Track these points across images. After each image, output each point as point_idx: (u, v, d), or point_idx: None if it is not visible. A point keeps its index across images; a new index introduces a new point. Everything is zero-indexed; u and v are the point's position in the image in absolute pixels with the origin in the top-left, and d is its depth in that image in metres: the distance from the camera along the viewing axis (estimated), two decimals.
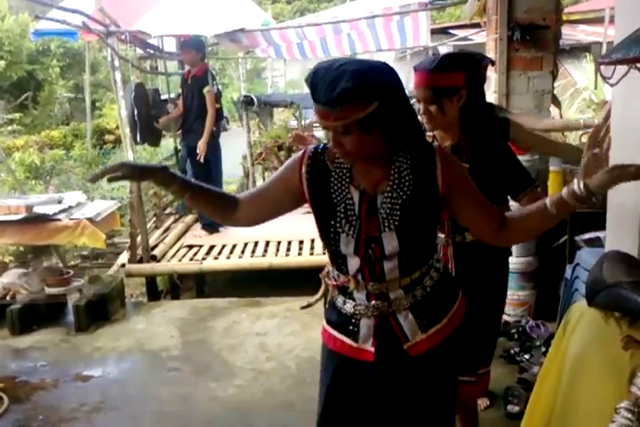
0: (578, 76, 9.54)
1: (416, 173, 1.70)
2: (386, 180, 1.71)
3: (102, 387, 3.72)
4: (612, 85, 2.02)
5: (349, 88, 1.50)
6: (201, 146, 5.90)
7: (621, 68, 2.01)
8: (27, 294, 4.70)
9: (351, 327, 1.83)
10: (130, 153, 5.49)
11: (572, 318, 2.09)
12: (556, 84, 5.85)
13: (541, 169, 4.37)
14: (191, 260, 5.53)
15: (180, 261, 5.54)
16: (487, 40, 4.64)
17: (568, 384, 1.92)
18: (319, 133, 9.08)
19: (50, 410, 3.43)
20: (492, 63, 3.18)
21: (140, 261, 5.42)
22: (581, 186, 1.60)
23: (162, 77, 7.36)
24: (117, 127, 13.09)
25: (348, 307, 1.82)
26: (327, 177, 1.76)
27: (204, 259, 5.53)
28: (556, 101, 4.72)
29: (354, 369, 1.83)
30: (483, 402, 3.44)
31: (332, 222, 1.75)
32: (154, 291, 5.57)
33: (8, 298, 4.69)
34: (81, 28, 5.22)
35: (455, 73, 2.26)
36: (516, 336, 3.97)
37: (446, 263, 2.33)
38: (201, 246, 5.88)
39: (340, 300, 1.84)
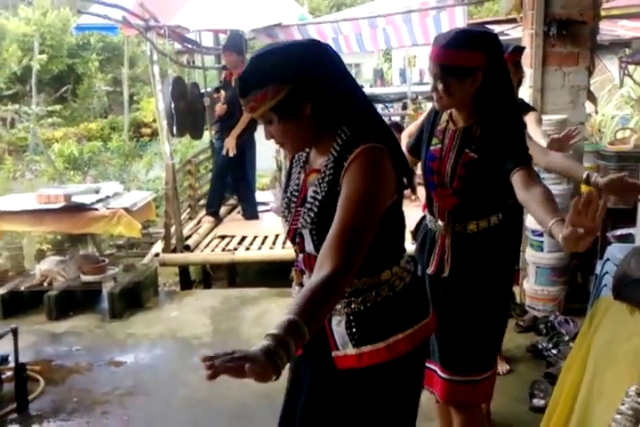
0: (617, 71, 9.38)
1: (335, 169, 1.52)
2: (318, 170, 1.58)
3: (134, 372, 3.81)
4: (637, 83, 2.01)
5: (249, 76, 1.45)
6: (229, 142, 6.02)
7: None
8: (63, 280, 4.83)
9: None
10: (166, 145, 5.58)
11: (599, 312, 2.10)
12: (593, 80, 5.80)
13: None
14: (223, 250, 5.61)
15: (212, 251, 5.62)
16: (523, 35, 4.62)
17: (592, 376, 1.93)
18: None
19: (84, 393, 3.53)
20: (520, 52, 3.08)
21: (174, 250, 5.52)
22: None
23: (199, 71, 7.45)
24: (154, 120, 13.28)
25: (295, 293, 1.73)
26: (292, 161, 1.73)
27: (235, 249, 5.60)
28: (591, 97, 4.69)
29: (295, 363, 1.76)
30: (503, 367, 3.52)
31: (282, 205, 1.69)
32: (186, 280, 5.67)
33: (45, 284, 4.82)
34: (121, 22, 5.32)
35: (470, 52, 1.99)
36: (544, 331, 3.98)
37: (442, 255, 2.23)
38: (233, 237, 5.95)
39: (296, 288, 1.75)
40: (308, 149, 1.65)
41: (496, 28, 9.23)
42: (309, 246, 1.58)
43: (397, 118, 9.80)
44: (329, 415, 1.64)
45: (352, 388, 1.61)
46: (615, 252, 2.98)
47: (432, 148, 2.21)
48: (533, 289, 4.32)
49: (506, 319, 2.51)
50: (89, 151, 9.54)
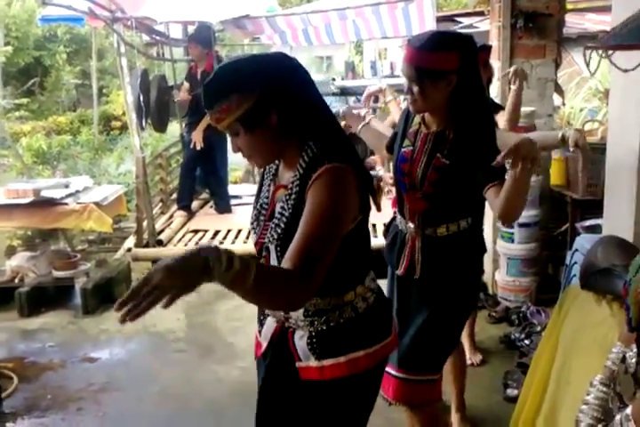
0: (584, 64, 9.48)
1: (300, 187, 1.51)
2: (285, 186, 1.56)
3: (108, 368, 3.80)
4: (625, 71, 2.04)
5: (213, 87, 1.45)
6: (196, 136, 6.00)
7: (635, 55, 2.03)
8: (35, 276, 4.78)
9: (261, 318, 1.77)
10: (136, 139, 5.53)
11: (567, 301, 2.15)
12: (561, 73, 5.87)
13: (543, 156, 4.40)
14: (196, 244, 5.59)
15: (185, 245, 5.59)
16: (491, 28, 4.66)
17: (561, 365, 1.98)
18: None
19: (58, 390, 3.51)
20: (488, 50, 3.08)
21: (147, 245, 5.48)
22: None
23: (168, 64, 7.38)
24: (124, 114, 13.15)
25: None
26: (264, 173, 1.70)
27: None
28: (559, 90, 4.75)
29: (257, 364, 1.82)
30: (476, 358, 3.62)
31: (252, 217, 1.68)
32: None
33: (16, 281, 4.77)
34: (87, 13, 5.25)
35: (445, 54, 1.98)
36: (516, 322, 4.04)
37: (412, 256, 2.24)
38: (206, 231, 5.93)
39: None
40: (277, 162, 1.64)
41: (464, 21, 9.31)
42: (274, 262, 1.57)
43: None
44: (284, 421, 1.68)
45: (311, 398, 1.63)
46: (583, 242, 3.03)
47: (403, 149, 2.21)
48: (505, 280, 4.38)
49: (465, 321, 2.51)
50: (58, 145, 9.42)
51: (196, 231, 5.97)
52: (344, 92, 10.04)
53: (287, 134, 1.50)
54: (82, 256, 5.17)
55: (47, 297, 4.79)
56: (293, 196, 1.51)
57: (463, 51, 2.01)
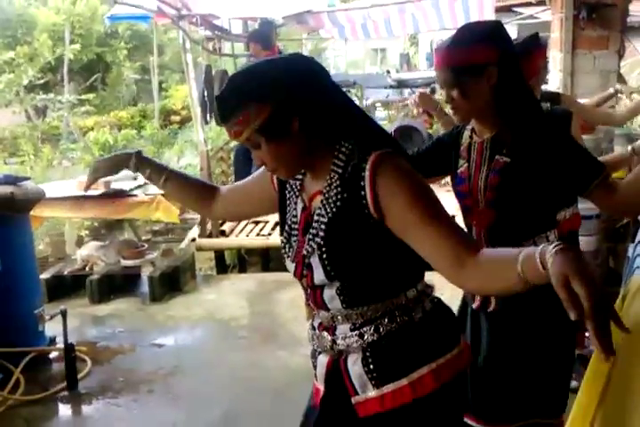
0: None
1: (345, 185, 1.41)
2: (321, 192, 1.45)
3: (176, 352, 3.96)
4: None
5: (227, 99, 1.37)
6: None
7: None
8: (104, 265, 4.99)
9: (313, 360, 1.61)
10: (200, 133, 5.70)
11: (631, 290, 2.15)
12: (624, 63, 5.78)
13: (606, 148, 4.38)
14: (258, 235, 5.73)
15: (247, 236, 5.74)
16: (552, 19, 4.64)
17: (624, 355, 1.99)
18: (382, 114, 9.12)
19: (129, 373, 3.68)
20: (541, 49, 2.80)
21: (210, 235, 5.65)
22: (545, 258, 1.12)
23: (229, 59, 7.55)
24: (183, 108, 13.45)
25: (309, 336, 1.60)
26: (285, 187, 1.57)
27: (269, 234, 5.71)
28: (622, 80, 4.69)
29: (309, 410, 1.65)
30: None
31: (282, 241, 1.56)
32: (222, 265, 5.82)
33: (87, 269, 5.00)
34: (155, 12, 5.43)
35: (478, 46, 1.80)
36: None
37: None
38: (267, 222, 6.06)
39: (309, 327, 1.62)
40: (300, 176, 1.52)
41: (525, 11, 9.20)
42: (320, 277, 1.44)
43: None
44: None
45: None
46: None
47: (459, 170, 2.01)
48: None
49: (571, 357, 2.15)
50: (123, 139, 9.73)
51: (257, 222, 6.11)
52: (400, 85, 10.04)
53: (313, 141, 1.40)
54: (148, 246, 5.37)
55: (116, 285, 5.01)
56: (333, 198, 1.41)
57: (498, 40, 1.84)
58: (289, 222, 1.53)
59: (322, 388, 1.57)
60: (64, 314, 3.49)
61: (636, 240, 2.88)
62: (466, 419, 1.96)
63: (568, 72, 4.41)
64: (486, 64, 1.80)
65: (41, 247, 5.53)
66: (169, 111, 14.64)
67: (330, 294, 1.46)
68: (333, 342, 1.51)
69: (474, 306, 2.03)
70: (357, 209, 1.38)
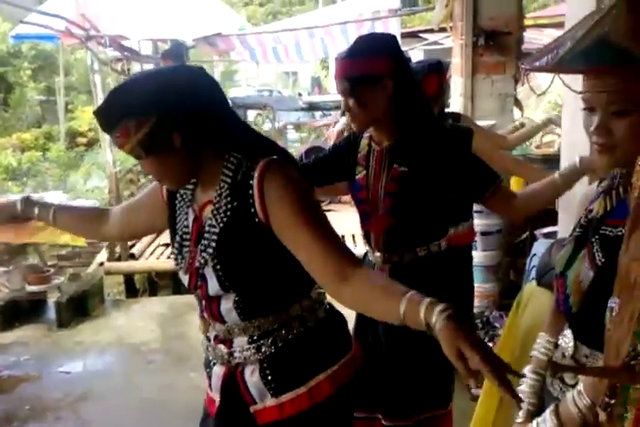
0: (544, 79, 9.82)
1: (235, 194, 1.41)
2: (211, 201, 1.45)
3: (85, 379, 3.85)
4: (538, 95, 2.18)
5: (107, 112, 1.36)
6: None
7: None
8: (8, 291, 4.81)
9: (208, 370, 1.61)
10: (109, 154, 5.61)
11: (524, 298, 2.30)
12: (522, 88, 6.10)
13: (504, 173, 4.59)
14: (168, 258, 5.66)
15: (157, 259, 5.67)
16: (453, 45, 4.86)
17: (519, 357, 2.12)
18: (293, 136, 9.26)
19: (35, 401, 3.56)
20: (439, 70, 2.92)
21: (119, 259, 5.55)
22: None
23: None
24: (90, 130, 13.12)
25: (203, 347, 1.60)
26: (176, 197, 1.56)
27: None
28: (518, 104, 4.96)
29: (204, 420, 1.64)
30: None
31: (173, 252, 1.55)
32: (132, 288, 5.71)
33: None
34: (62, 32, 5.34)
35: (374, 58, 1.87)
36: (480, 326, 4.19)
37: None
38: None
39: (204, 338, 1.61)
40: (191, 186, 1.51)
41: (430, 37, 9.57)
42: (214, 288, 1.44)
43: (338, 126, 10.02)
44: None
45: None
46: (540, 247, 3.20)
47: (357, 177, 2.06)
48: None
49: None
50: (27, 161, 9.42)
51: (167, 245, 6.03)
52: (312, 107, 10.22)
53: (196, 153, 1.39)
54: (54, 271, 5.21)
55: (21, 311, 4.82)
56: (224, 208, 1.41)
57: (393, 53, 1.92)
58: (180, 233, 1.52)
59: (217, 398, 1.56)
60: None
61: (531, 253, 3.06)
62: (379, 415, 2.11)
63: (468, 96, 4.62)
64: (382, 75, 1.87)
65: None
66: (75, 133, 14.23)
67: (227, 306, 1.46)
68: (230, 354, 1.50)
69: None
70: (248, 218, 1.38)
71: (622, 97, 1.12)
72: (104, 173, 7.22)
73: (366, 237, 2.12)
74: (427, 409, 2.12)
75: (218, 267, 1.42)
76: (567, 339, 1.31)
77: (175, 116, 1.34)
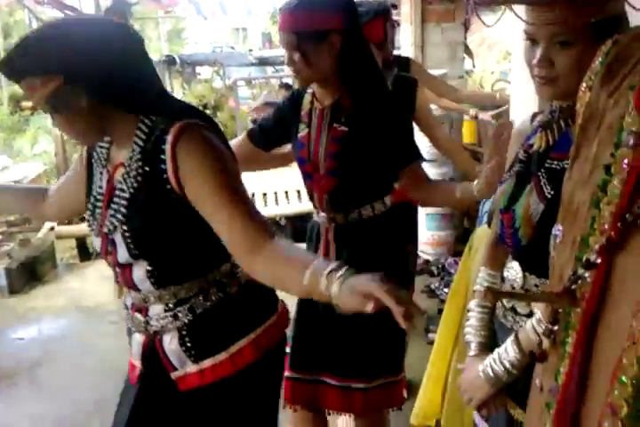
0: (496, 28, 9.79)
1: (146, 159, 1.34)
2: (123, 164, 1.39)
3: (41, 344, 3.79)
4: (488, 26, 2.14)
5: (15, 62, 1.27)
6: None
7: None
8: None
9: (129, 338, 1.56)
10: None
11: (475, 241, 2.31)
12: (474, 36, 6.07)
13: (456, 118, 4.59)
14: None
15: None
16: None
17: (472, 297, 2.14)
18: (245, 93, 9.08)
19: None
20: (385, 14, 2.72)
21: (70, 223, 5.41)
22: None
23: None
24: None
25: (123, 315, 1.55)
26: (93, 156, 1.48)
27: None
28: (468, 52, 4.93)
29: (127, 388, 1.57)
30: None
31: (86, 214, 1.49)
32: (85, 252, 5.58)
33: None
34: None
35: (323, 12, 1.78)
36: (436, 273, 4.28)
37: (327, 249, 2.00)
38: None
39: (122, 305, 1.56)
40: (107, 145, 1.45)
41: None
42: (124, 255, 1.38)
43: (289, 80, 9.88)
44: None
45: (198, 411, 1.46)
46: None
47: (300, 135, 1.98)
48: (424, 235, 4.56)
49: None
50: None
51: None
52: (262, 62, 10.02)
53: (108, 112, 1.33)
54: (4, 238, 5.07)
55: None
56: (134, 172, 1.34)
57: (343, 8, 1.82)
58: (94, 194, 1.45)
59: (138, 365, 1.52)
60: None
61: (482, 200, 3.07)
62: (324, 378, 2.03)
63: (418, 44, 4.57)
64: (329, 31, 1.77)
65: None
66: (19, 97, 13.75)
67: (139, 274, 1.40)
68: (147, 323, 1.45)
69: None
70: (159, 184, 1.31)
71: (567, 29, 1.13)
72: (51, 137, 6.99)
73: (310, 196, 2.06)
74: (379, 374, 2.04)
75: (127, 234, 1.35)
76: (514, 271, 1.33)
77: (82, 78, 1.27)
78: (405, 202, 2.53)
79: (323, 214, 2.00)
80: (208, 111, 7.81)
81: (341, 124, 1.87)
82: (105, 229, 1.39)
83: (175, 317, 1.42)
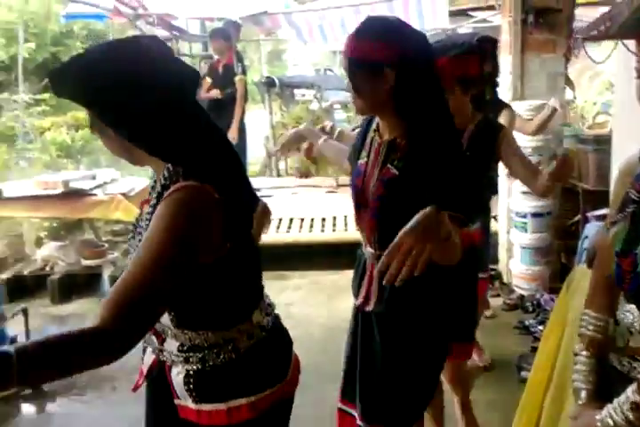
0: (596, 57, 9.56)
1: (155, 205, 1.35)
2: (148, 201, 1.42)
3: (138, 350, 3.92)
4: (597, 63, 2.14)
5: (52, 84, 1.33)
6: (233, 132, 6.17)
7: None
8: (64, 265, 4.99)
9: (144, 346, 1.58)
10: None
11: (575, 280, 2.30)
12: (575, 67, 5.98)
13: (555, 148, 4.54)
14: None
15: None
16: (502, 22, 4.79)
17: (568, 339, 2.12)
18: (341, 116, 9.24)
19: (93, 370, 3.65)
20: (482, 50, 2.54)
21: None
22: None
23: (185, 58, 7.56)
24: None
25: None
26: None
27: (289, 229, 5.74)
28: (569, 82, 4.88)
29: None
30: (482, 359, 3.53)
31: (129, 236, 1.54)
32: None
33: (47, 269, 4.98)
34: (111, 10, 5.44)
35: (374, 42, 1.67)
36: (530, 309, 4.20)
37: (370, 285, 1.94)
38: (281, 219, 6.01)
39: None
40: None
41: (479, 15, 9.40)
42: None
43: None
44: None
45: None
46: (592, 229, 3.18)
47: (360, 162, 1.92)
48: (519, 269, 4.52)
49: (440, 366, 2.07)
50: (81, 139, 9.63)
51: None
52: None
53: (135, 149, 1.34)
54: (109, 246, 5.37)
55: (77, 285, 5.00)
56: (148, 216, 1.35)
57: (398, 40, 1.67)
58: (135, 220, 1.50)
59: (145, 370, 1.57)
60: (25, 313, 3.49)
61: (583, 235, 3.03)
62: (351, 410, 2.04)
63: (517, 74, 4.57)
64: (380, 64, 1.67)
65: None
66: None
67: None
68: (160, 351, 1.49)
69: (357, 303, 2.01)
70: None
71: None
72: None
73: (360, 229, 2.00)
74: (399, 423, 1.99)
75: None
76: (631, 314, 1.30)
77: (99, 113, 1.32)
78: (474, 247, 2.48)
79: (369, 249, 1.94)
80: None
81: (393, 166, 1.78)
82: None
83: (187, 360, 1.44)
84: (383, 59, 1.66)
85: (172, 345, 1.46)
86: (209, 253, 1.32)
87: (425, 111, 1.72)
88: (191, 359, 1.43)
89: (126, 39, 1.41)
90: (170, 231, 1.24)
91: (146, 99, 1.28)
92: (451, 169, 1.70)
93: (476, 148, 2.16)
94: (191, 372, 1.44)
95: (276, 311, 1.62)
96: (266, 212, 1.67)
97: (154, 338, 1.50)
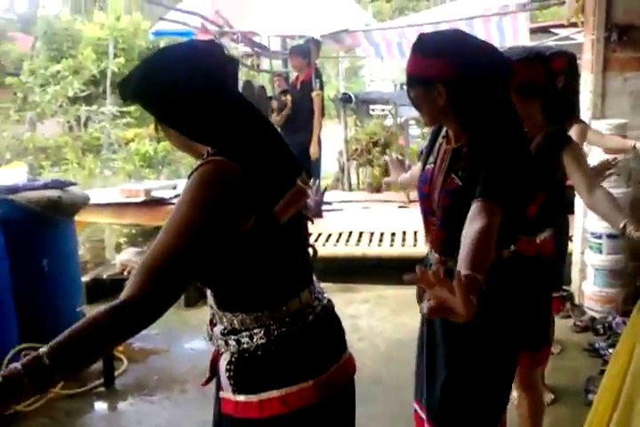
0: None
1: None
2: None
3: (208, 355, 4.06)
4: None
5: (125, 88, 1.43)
6: (314, 146, 6.29)
7: None
8: None
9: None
10: None
11: None
12: None
13: (635, 168, 4.43)
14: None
15: (323, 245, 5.81)
16: (585, 40, 4.72)
17: (638, 360, 2.08)
18: (415, 132, 9.24)
19: (163, 372, 3.84)
20: (545, 60, 2.40)
21: None
22: None
23: (265, 74, 7.76)
24: None
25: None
26: None
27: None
28: None
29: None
30: (547, 397, 3.32)
31: None
32: None
33: (125, 273, 5.17)
34: (198, 28, 5.66)
35: (431, 59, 1.68)
36: (601, 331, 4.09)
37: None
38: (351, 232, 6.09)
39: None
40: None
41: (561, 32, 9.25)
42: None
43: None
44: None
45: None
46: None
47: (427, 166, 1.95)
48: (591, 290, 4.42)
49: (511, 375, 2.03)
50: (163, 150, 9.99)
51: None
52: None
53: (192, 143, 1.44)
54: None
55: None
56: None
57: (453, 58, 1.68)
58: None
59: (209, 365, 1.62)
60: None
61: None
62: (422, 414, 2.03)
63: (598, 93, 4.48)
64: (432, 80, 1.69)
65: (80, 252, 5.71)
66: None
67: (209, 291, 1.50)
68: (210, 337, 1.55)
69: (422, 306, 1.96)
70: None
71: None
72: None
73: (426, 233, 2.02)
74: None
75: None
76: None
77: (153, 111, 1.43)
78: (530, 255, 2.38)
79: (436, 255, 1.95)
80: (377, 148, 8.05)
81: (457, 176, 1.80)
82: None
83: (226, 343, 1.46)
84: (435, 75, 1.68)
85: (218, 330, 1.50)
86: (236, 224, 1.34)
87: (486, 123, 1.73)
88: (230, 342, 1.45)
89: (182, 44, 1.54)
90: (196, 201, 1.28)
91: (197, 100, 1.37)
92: (506, 172, 1.66)
93: (540, 158, 2.13)
94: (232, 358, 1.45)
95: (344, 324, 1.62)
96: (298, 192, 1.52)
97: (208, 328, 1.55)
